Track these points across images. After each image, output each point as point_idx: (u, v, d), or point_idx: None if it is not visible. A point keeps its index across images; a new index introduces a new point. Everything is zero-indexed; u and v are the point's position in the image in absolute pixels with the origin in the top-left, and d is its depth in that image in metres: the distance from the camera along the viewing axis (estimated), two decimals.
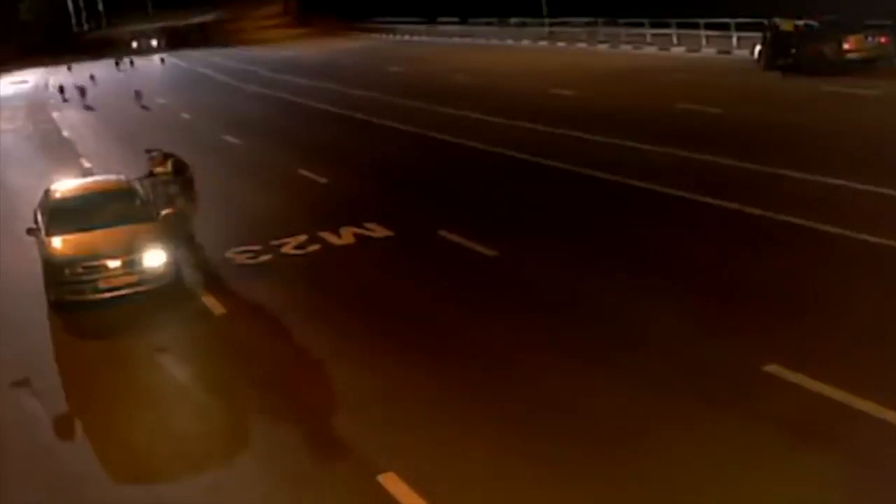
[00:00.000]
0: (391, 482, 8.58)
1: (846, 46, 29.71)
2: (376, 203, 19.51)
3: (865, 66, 29.01)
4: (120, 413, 11.05)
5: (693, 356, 10.63)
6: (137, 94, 42.75)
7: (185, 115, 36.55)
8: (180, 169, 16.92)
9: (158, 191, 16.32)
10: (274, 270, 15.72)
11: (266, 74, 51.38)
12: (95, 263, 14.05)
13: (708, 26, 40.00)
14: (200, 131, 32.84)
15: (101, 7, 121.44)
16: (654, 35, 43.46)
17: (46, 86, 56.79)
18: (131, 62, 65.74)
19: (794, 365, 9.89)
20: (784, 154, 19.32)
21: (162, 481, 9.51)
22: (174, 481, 9.49)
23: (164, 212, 15.48)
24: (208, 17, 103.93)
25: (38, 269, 14.95)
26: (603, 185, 19.09)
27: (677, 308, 12.02)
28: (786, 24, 31.93)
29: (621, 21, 47.03)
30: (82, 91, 45.27)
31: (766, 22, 33.01)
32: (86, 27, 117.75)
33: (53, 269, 14.27)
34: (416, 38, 67.33)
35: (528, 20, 56.78)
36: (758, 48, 33.25)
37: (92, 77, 52.85)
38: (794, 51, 31.12)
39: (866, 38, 29.94)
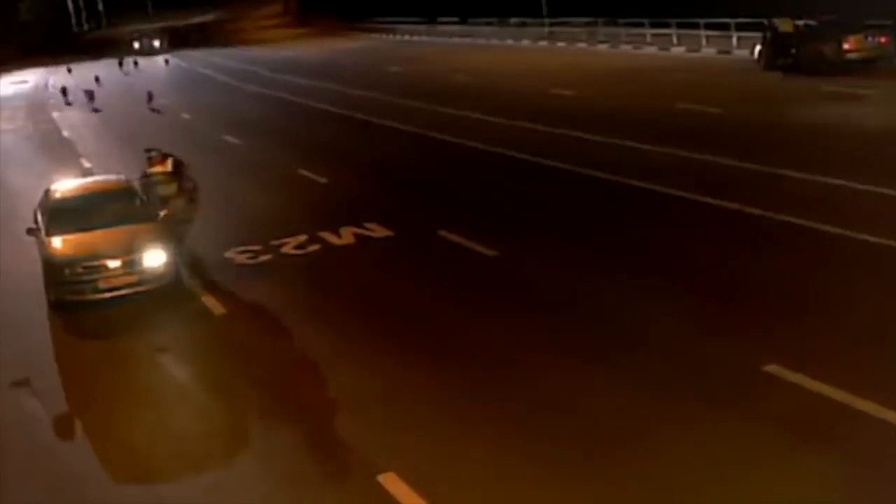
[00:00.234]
0: (391, 482, 8.58)
1: (846, 46, 29.71)
2: (376, 203, 19.51)
3: (865, 66, 29.01)
4: (120, 413, 11.05)
5: (693, 356, 10.64)
6: (149, 96, 41.08)
7: (186, 116, 36.56)
8: (179, 169, 16.89)
9: (151, 192, 16.31)
10: (274, 270, 15.72)
11: (266, 74, 51.38)
12: (95, 263, 14.05)
13: (708, 26, 40.00)
14: (200, 131, 32.84)
15: (101, 7, 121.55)
16: (654, 35, 43.46)
17: (46, 86, 56.75)
18: (135, 63, 64.02)
19: (794, 365, 9.89)
20: (784, 154, 19.32)
21: (162, 481, 9.51)
22: (174, 481, 9.49)
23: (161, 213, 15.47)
24: (208, 17, 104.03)
25: (38, 269, 14.95)
26: (603, 185, 19.09)
27: (677, 308, 12.02)
28: (786, 25, 31.93)
29: (621, 21, 47.03)
30: (90, 95, 43.87)
31: (766, 22, 33.01)
32: (86, 27, 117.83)
33: (53, 269, 14.27)
34: (416, 38, 67.33)
35: (528, 20, 56.77)
36: (758, 48, 33.26)
37: (97, 78, 51.51)
38: (794, 51, 31.13)
39: (866, 38, 29.94)
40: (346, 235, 16.96)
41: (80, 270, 14.04)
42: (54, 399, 11.60)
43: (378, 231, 17.09)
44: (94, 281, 14.06)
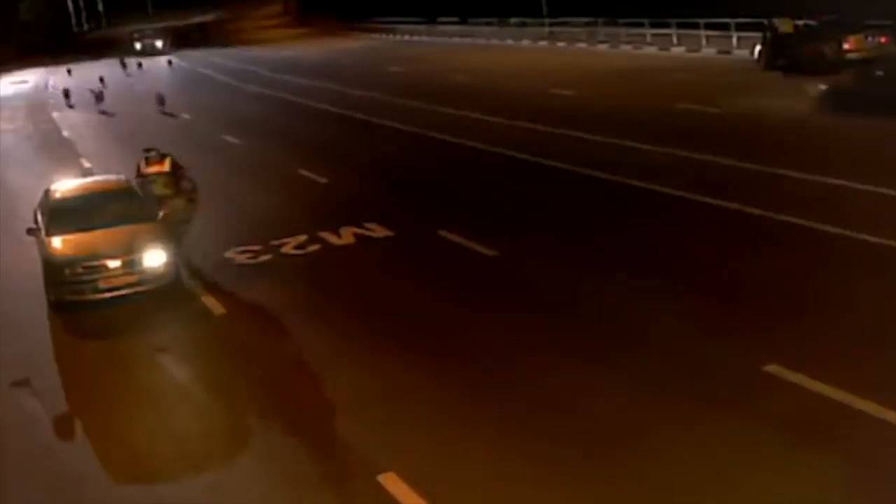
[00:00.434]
0: (391, 482, 8.58)
1: (846, 46, 29.72)
2: (376, 203, 19.51)
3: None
4: (120, 413, 11.05)
5: (693, 356, 10.64)
6: (160, 99, 39.46)
7: (186, 116, 36.54)
8: (177, 170, 16.89)
9: (146, 191, 16.31)
10: (274, 270, 15.72)
11: (266, 74, 51.38)
12: (95, 263, 14.05)
13: (708, 26, 40.02)
14: (201, 131, 32.84)
15: (100, 7, 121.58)
16: (654, 35, 43.48)
17: (46, 86, 56.70)
18: (139, 64, 62.57)
19: (794, 365, 9.89)
20: (784, 154, 19.32)
21: (162, 481, 9.51)
22: (174, 481, 9.49)
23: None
24: (208, 17, 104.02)
25: (38, 269, 14.95)
26: (603, 185, 19.10)
27: (677, 308, 12.02)
28: (786, 25, 31.94)
29: (621, 21, 47.04)
30: (99, 96, 42.68)
31: (766, 22, 33.03)
32: (86, 27, 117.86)
33: (53, 269, 14.27)
34: (416, 38, 67.33)
35: (528, 20, 56.77)
36: (758, 48, 33.27)
37: (101, 79, 50.25)
38: (794, 51, 31.13)
39: (866, 38, 29.95)
40: (346, 235, 16.96)
41: (80, 270, 14.04)
42: (54, 399, 11.59)
43: (378, 231, 17.09)
44: (94, 281, 14.06)
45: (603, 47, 46.17)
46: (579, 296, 13.00)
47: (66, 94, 44.93)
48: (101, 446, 10.24)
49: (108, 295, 14.09)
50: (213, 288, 14.94)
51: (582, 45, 48.62)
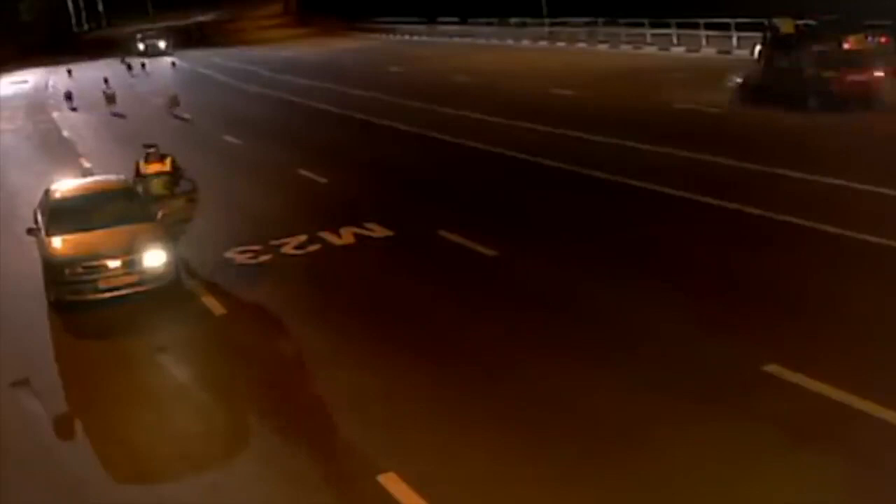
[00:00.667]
0: (391, 482, 8.58)
1: (846, 46, 29.70)
2: (376, 203, 19.51)
3: None
4: (120, 413, 11.04)
5: (693, 356, 10.64)
6: (174, 102, 37.51)
7: (186, 115, 36.52)
8: (176, 170, 16.87)
9: (144, 189, 16.30)
10: (274, 270, 15.72)
11: (266, 74, 51.38)
12: (95, 263, 14.05)
13: (708, 26, 40.05)
14: (201, 131, 32.85)
15: (100, 7, 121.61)
16: (654, 35, 43.50)
17: (46, 86, 56.69)
18: (142, 66, 60.41)
19: (794, 365, 9.90)
20: (784, 154, 19.33)
21: (162, 481, 9.51)
22: (174, 481, 9.49)
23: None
24: (208, 17, 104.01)
25: (38, 269, 14.95)
26: (603, 184, 19.10)
27: (677, 308, 12.02)
28: (787, 25, 31.94)
29: (621, 21, 47.07)
30: (111, 97, 40.74)
31: (766, 22, 33.03)
32: (86, 27, 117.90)
33: (53, 269, 14.27)
34: (416, 38, 67.35)
35: (528, 20, 56.79)
36: (758, 48, 33.27)
37: (106, 80, 49.77)
38: (794, 51, 31.10)
39: (866, 37, 29.94)
40: (346, 235, 16.96)
41: (80, 270, 14.04)
42: (54, 399, 11.59)
43: (378, 231, 17.09)
44: (94, 281, 14.05)
45: (603, 47, 46.19)
46: (579, 296, 13.00)
47: (69, 96, 43.80)
48: (101, 446, 10.24)
49: (108, 295, 14.09)
50: (213, 288, 14.94)
51: (582, 45, 48.64)
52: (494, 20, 60.30)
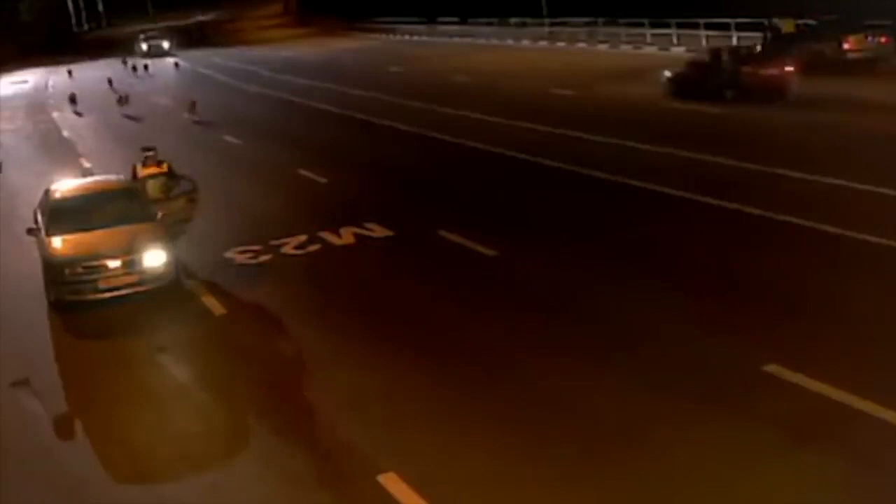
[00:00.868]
0: (391, 482, 8.58)
1: (846, 46, 29.75)
2: (376, 203, 19.51)
3: (866, 66, 29.02)
4: (120, 413, 11.04)
5: (693, 356, 10.64)
6: (192, 106, 35.90)
7: (186, 115, 36.50)
8: (173, 175, 16.88)
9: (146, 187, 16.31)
10: (274, 270, 15.72)
11: (266, 74, 51.37)
12: (95, 263, 14.05)
13: (708, 26, 40.03)
14: (201, 131, 32.82)
15: (100, 7, 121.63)
16: (654, 35, 43.49)
17: (46, 86, 56.69)
18: (146, 67, 59.56)
19: (794, 365, 9.90)
20: (784, 154, 19.34)
21: (162, 481, 9.51)
22: (174, 481, 9.49)
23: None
24: (208, 17, 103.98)
25: (38, 269, 14.95)
26: (603, 184, 19.11)
27: (677, 308, 12.02)
28: (787, 25, 31.96)
29: (621, 21, 47.06)
30: (125, 99, 39.95)
31: (766, 22, 33.05)
32: (86, 27, 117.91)
33: (53, 269, 14.27)
34: (416, 38, 67.34)
35: (528, 20, 56.78)
36: (758, 48, 33.25)
37: (110, 81, 48.69)
38: (794, 51, 31.12)
39: (866, 37, 29.97)
40: (346, 235, 16.96)
41: (80, 270, 14.04)
42: (54, 399, 11.60)
43: (378, 231, 17.09)
44: (94, 281, 14.06)
45: (603, 47, 46.17)
46: (579, 296, 13.00)
47: (73, 99, 42.64)
48: (101, 446, 10.24)
49: (108, 295, 14.09)
50: (213, 288, 14.94)
51: (582, 45, 48.62)
52: (494, 20, 60.30)
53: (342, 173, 23.08)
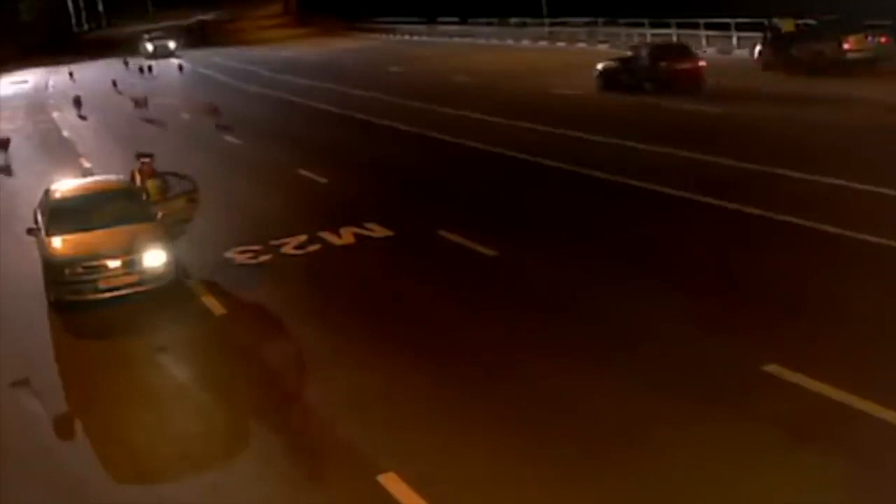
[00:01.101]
0: (391, 482, 8.58)
1: (846, 46, 29.75)
2: (376, 203, 19.51)
3: (866, 66, 29.03)
4: (120, 413, 11.04)
5: (693, 356, 10.64)
6: (214, 110, 33.74)
7: (185, 115, 36.53)
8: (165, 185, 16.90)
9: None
10: (274, 270, 15.72)
11: (266, 74, 51.37)
12: (95, 263, 14.05)
13: (708, 26, 40.06)
14: (201, 131, 32.81)
15: (100, 7, 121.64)
16: (654, 35, 43.45)
17: (46, 86, 56.67)
18: (149, 68, 57.68)
19: (794, 365, 9.89)
20: (784, 154, 19.34)
21: (162, 481, 9.51)
22: (174, 481, 9.49)
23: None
24: (208, 17, 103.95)
25: (38, 269, 14.95)
26: (603, 184, 19.11)
27: (677, 308, 12.02)
28: (786, 25, 31.98)
29: (621, 21, 47.08)
30: (138, 102, 38.10)
31: (766, 22, 33.06)
32: (86, 27, 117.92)
33: (53, 269, 14.27)
34: (416, 38, 67.36)
35: (528, 20, 56.81)
36: (758, 48, 33.31)
37: (114, 83, 47.81)
38: (794, 51, 31.16)
39: (866, 37, 29.98)
40: (346, 235, 16.96)
41: (80, 270, 14.04)
42: (54, 399, 11.59)
43: (378, 231, 17.09)
44: (94, 281, 14.06)
45: (603, 47, 46.12)
46: (579, 296, 13.00)
47: (78, 102, 40.72)
48: (101, 446, 10.24)
49: (108, 295, 14.09)
50: (213, 288, 14.94)
51: (582, 45, 48.62)
52: (494, 20, 60.33)
53: (342, 173, 23.07)
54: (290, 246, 16.67)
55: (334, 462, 9.30)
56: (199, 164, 23.36)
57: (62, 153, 30.35)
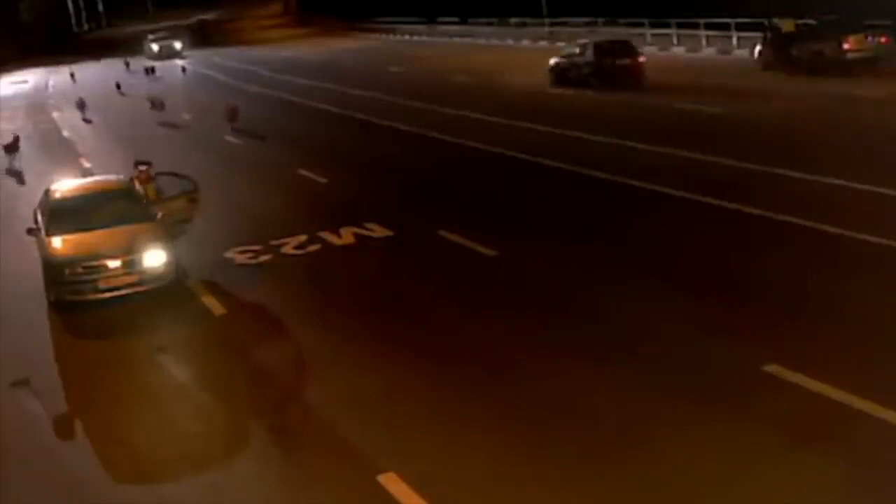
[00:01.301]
0: (391, 482, 8.58)
1: (846, 46, 29.75)
2: (376, 203, 19.51)
3: (866, 66, 29.03)
4: (120, 413, 11.04)
5: (693, 356, 10.64)
6: (233, 114, 31.51)
7: (186, 116, 36.53)
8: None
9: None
10: (274, 270, 15.72)
11: (266, 74, 51.37)
12: (95, 263, 14.06)
13: (708, 26, 40.06)
14: (201, 131, 32.82)
15: (100, 7, 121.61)
16: (654, 35, 43.49)
17: (46, 86, 56.66)
18: (152, 69, 55.66)
19: (794, 365, 9.89)
20: (784, 154, 19.34)
21: (162, 481, 9.51)
22: (174, 481, 9.49)
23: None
24: (209, 17, 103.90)
25: (38, 269, 14.95)
26: (603, 184, 19.10)
27: (677, 308, 12.02)
28: (786, 25, 31.99)
29: (621, 21, 47.06)
30: (157, 105, 36.80)
31: (766, 22, 33.07)
32: (86, 27, 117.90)
33: (53, 269, 14.28)
34: (416, 38, 67.34)
35: (528, 20, 56.80)
36: (758, 48, 33.31)
37: (118, 86, 47.23)
38: (794, 51, 31.16)
39: (866, 37, 29.98)
40: (346, 235, 16.96)
41: (80, 270, 14.05)
42: (54, 399, 11.59)
43: (378, 231, 17.09)
44: (94, 281, 14.06)
45: None
46: (579, 296, 13.00)
47: (82, 105, 39.66)
48: (101, 446, 10.24)
49: (108, 295, 14.10)
50: (213, 288, 14.94)
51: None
52: (494, 20, 60.32)
53: (342, 173, 23.08)
54: (290, 246, 16.67)
55: (334, 462, 9.30)
56: (200, 163, 23.36)
57: (62, 153, 30.35)
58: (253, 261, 16.18)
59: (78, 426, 10.98)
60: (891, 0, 30.06)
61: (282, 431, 10.10)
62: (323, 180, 22.25)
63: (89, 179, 19.44)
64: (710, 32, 39.87)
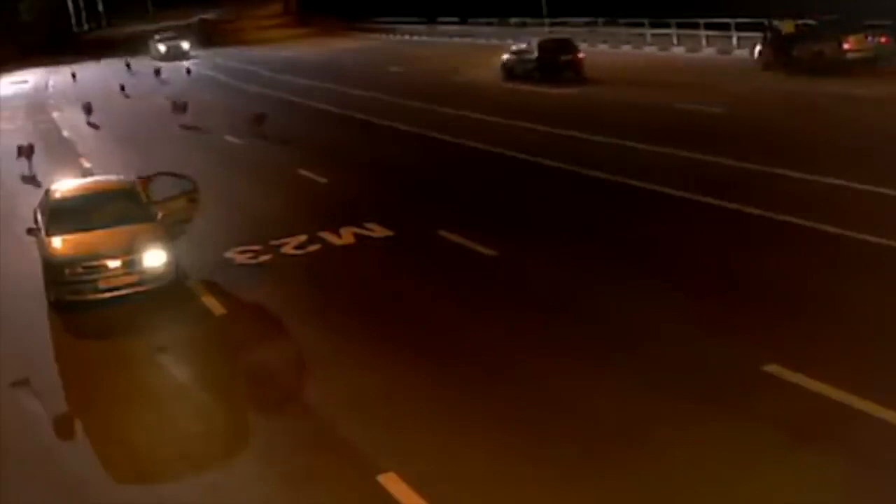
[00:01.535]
0: (391, 482, 8.58)
1: (846, 46, 29.75)
2: (376, 203, 19.51)
3: (866, 66, 29.03)
4: (120, 413, 11.05)
5: (693, 356, 10.64)
6: (258, 119, 30.25)
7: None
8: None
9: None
10: (274, 270, 15.72)
11: (266, 74, 51.35)
12: (95, 263, 14.06)
13: (708, 26, 40.06)
14: (202, 131, 32.80)
15: (100, 7, 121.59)
16: (654, 35, 43.49)
17: (46, 86, 56.63)
18: (157, 71, 54.37)
19: (794, 365, 9.89)
20: (784, 154, 19.35)
21: (162, 481, 9.52)
22: (174, 481, 9.49)
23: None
24: (209, 16, 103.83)
25: (38, 269, 14.95)
26: (603, 184, 19.10)
27: (677, 308, 12.02)
28: (786, 25, 31.99)
29: (621, 21, 47.07)
30: (179, 107, 34.87)
31: (766, 22, 33.07)
32: (86, 27, 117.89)
33: (53, 269, 14.28)
34: (416, 38, 67.31)
35: (528, 20, 56.79)
36: (758, 48, 33.31)
37: (122, 87, 46.70)
38: (794, 51, 31.16)
39: (866, 37, 29.98)
40: (346, 235, 16.96)
41: (80, 270, 14.05)
42: (54, 399, 11.60)
43: (378, 231, 17.09)
44: (94, 281, 14.06)
45: (603, 47, 46.13)
46: (579, 296, 13.00)
47: (88, 109, 38.06)
48: (101, 446, 10.24)
49: (108, 295, 14.10)
50: (213, 288, 14.94)
51: (582, 45, 48.45)
52: (494, 20, 60.29)
53: (342, 173, 23.07)
54: (290, 246, 16.67)
55: (334, 462, 9.30)
56: (200, 163, 23.36)
57: (62, 153, 30.32)
58: (253, 261, 16.18)
59: (78, 426, 10.98)
60: (891, 0, 30.06)
61: (282, 431, 10.10)
62: (323, 180, 22.25)
63: (89, 179, 19.43)
64: (710, 32, 39.86)
